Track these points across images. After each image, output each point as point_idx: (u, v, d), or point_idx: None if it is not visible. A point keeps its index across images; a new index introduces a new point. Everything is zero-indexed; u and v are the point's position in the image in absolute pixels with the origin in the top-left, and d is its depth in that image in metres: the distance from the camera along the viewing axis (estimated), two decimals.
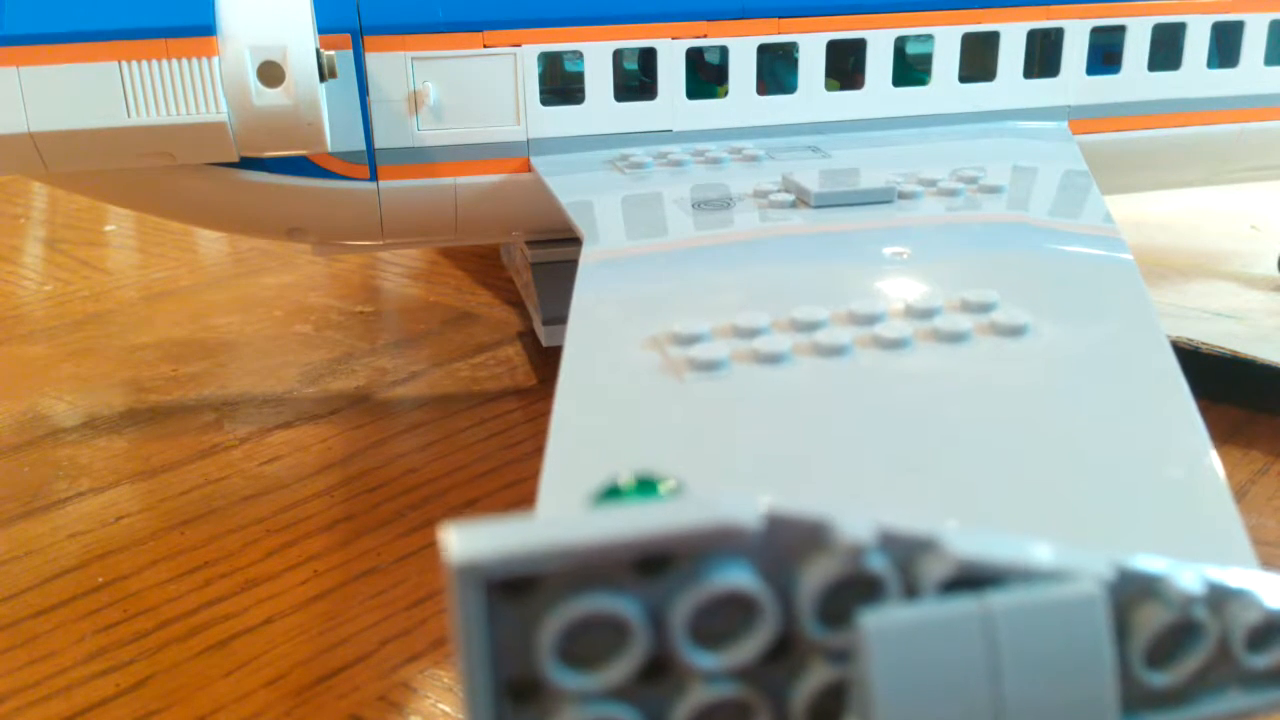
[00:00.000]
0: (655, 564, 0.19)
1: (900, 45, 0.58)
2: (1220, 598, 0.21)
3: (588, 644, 0.19)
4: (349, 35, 0.52)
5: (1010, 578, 0.20)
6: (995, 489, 0.27)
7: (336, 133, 0.52)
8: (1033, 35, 0.59)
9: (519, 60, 0.54)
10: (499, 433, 0.58)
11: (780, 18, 0.56)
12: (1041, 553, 0.20)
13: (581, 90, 0.55)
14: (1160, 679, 0.21)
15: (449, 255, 0.87)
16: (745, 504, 0.19)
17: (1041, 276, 0.40)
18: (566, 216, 0.47)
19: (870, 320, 0.33)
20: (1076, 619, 0.19)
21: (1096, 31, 0.60)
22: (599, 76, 0.55)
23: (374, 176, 0.54)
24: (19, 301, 0.80)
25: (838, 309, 0.34)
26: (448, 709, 0.38)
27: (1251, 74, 0.63)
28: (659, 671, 0.19)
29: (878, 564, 0.19)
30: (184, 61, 0.46)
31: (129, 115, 0.46)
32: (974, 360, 0.32)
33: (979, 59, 0.60)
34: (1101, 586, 0.20)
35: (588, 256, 0.41)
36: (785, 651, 0.20)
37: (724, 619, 0.19)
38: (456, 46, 0.53)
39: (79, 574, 0.46)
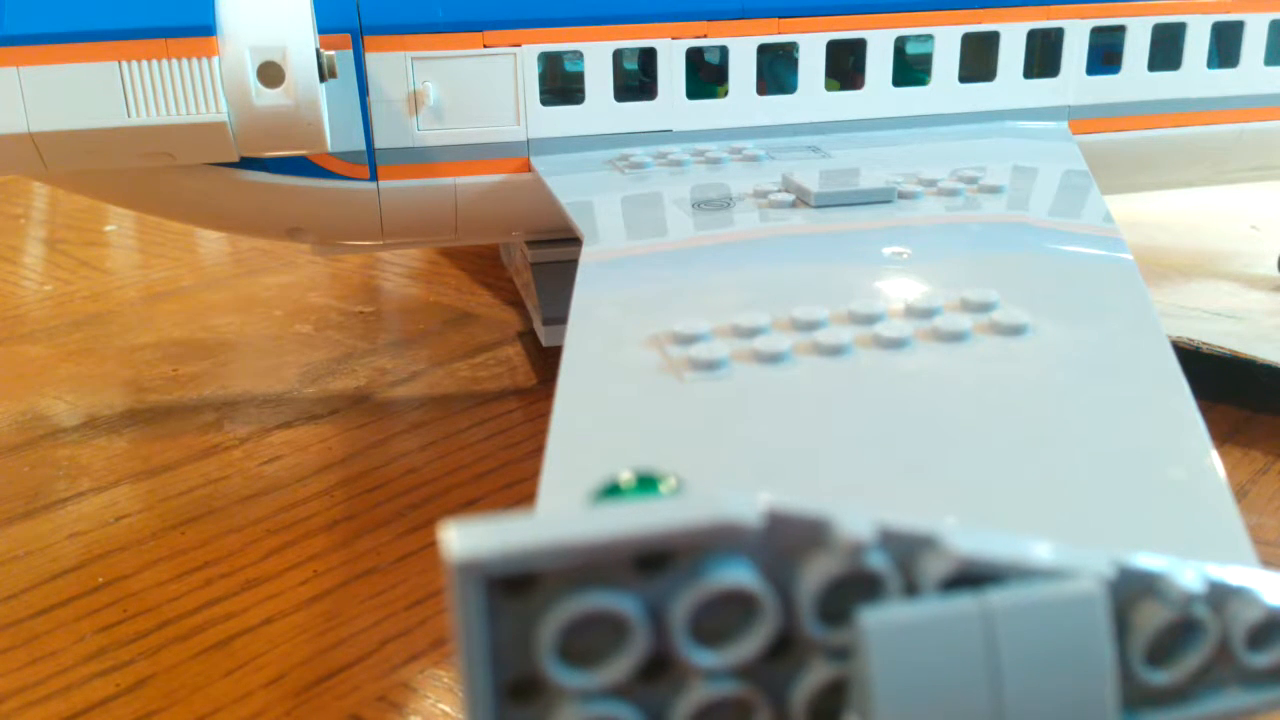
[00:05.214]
0: (655, 562, 0.19)
1: (900, 45, 0.58)
2: (1221, 596, 0.21)
3: (588, 642, 0.19)
4: (349, 35, 0.52)
5: (1010, 576, 0.20)
6: (995, 488, 0.27)
7: (336, 133, 0.52)
8: (1033, 35, 0.59)
9: (519, 60, 0.54)
10: (499, 433, 0.58)
11: (780, 18, 0.56)
12: (1041, 551, 0.20)
13: (581, 90, 0.55)
14: (1160, 677, 0.21)
15: (449, 255, 0.87)
16: (745, 502, 0.19)
17: (1041, 276, 0.40)
18: (566, 216, 0.47)
19: (870, 320, 0.33)
20: (1076, 617, 0.19)
21: (1096, 31, 0.60)
22: (599, 76, 0.55)
23: (374, 176, 0.54)
24: (19, 301, 0.80)
25: (838, 309, 0.34)
26: (448, 709, 0.38)
27: (1251, 74, 0.63)
28: (659, 669, 0.19)
29: (877, 562, 0.19)
30: (184, 61, 0.46)
31: (129, 115, 0.46)
32: (974, 360, 0.32)
33: (979, 59, 0.60)
34: (1102, 585, 0.20)
35: (588, 256, 0.41)
36: (785, 649, 0.20)
37: (724, 617, 0.19)
38: (456, 46, 0.53)
39: (79, 574, 0.46)
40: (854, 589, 0.19)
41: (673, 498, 0.19)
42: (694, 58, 0.57)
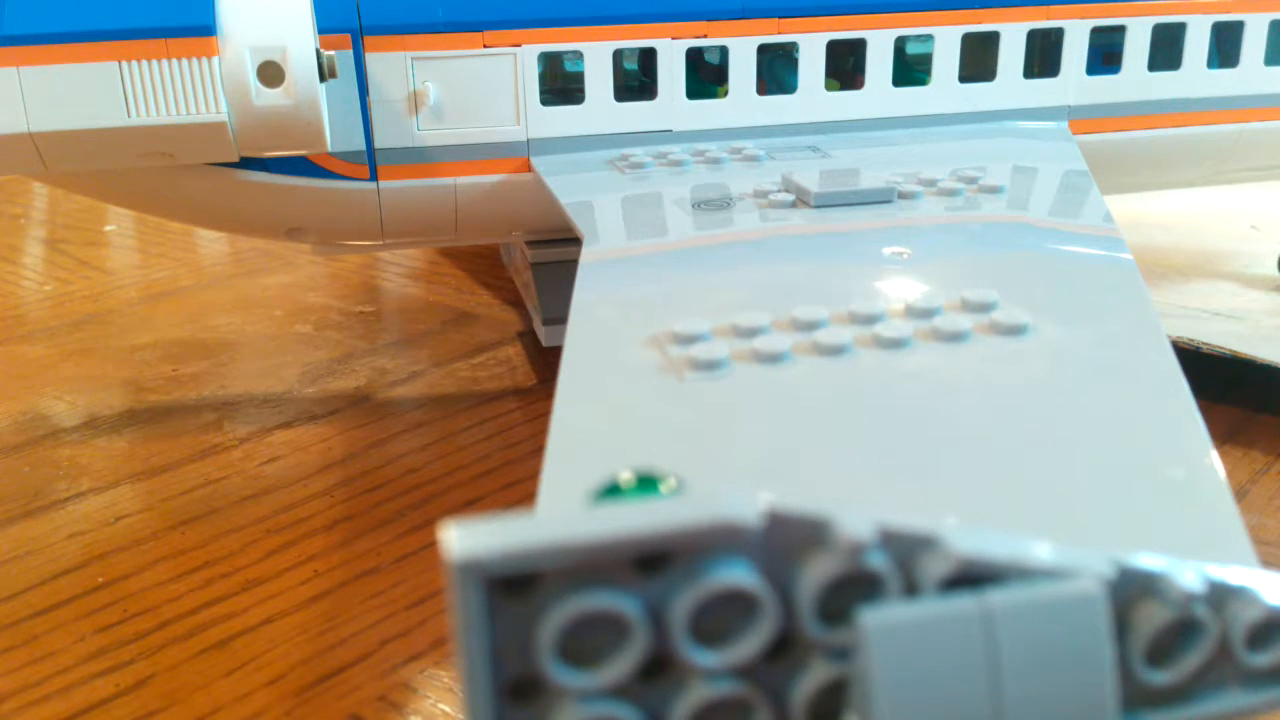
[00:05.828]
0: (655, 562, 0.19)
1: (900, 45, 0.58)
2: (1221, 596, 0.21)
3: (588, 642, 0.19)
4: (349, 35, 0.52)
5: (1010, 576, 0.20)
6: (995, 488, 0.27)
7: (336, 133, 0.52)
8: (1033, 35, 0.59)
9: (519, 60, 0.54)
10: (499, 433, 0.58)
11: (780, 18, 0.56)
12: (1041, 551, 0.20)
13: (581, 90, 0.55)
14: (1160, 677, 0.21)
15: (449, 255, 0.87)
16: (745, 502, 0.19)
17: (1041, 276, 0.40)
18: (566, 216, 0.47)
19: (870, 320, 0.33)
20: (1076, 617, 0.19)
21: (1096, 31, 0.60)
22: (599, 76, 0.55)
23: (374, 176, 0.54)
24: (19, 301, 0.80)
25: (838, 309, 0.34)
26: (448, 709, 0.38)
27: (1251, 74, 0.63)
28: (659, 669, 0.19)
29: (878, 562, 0.19)
30: (184, 61, 0.46)
31: (129, 115, 0.46)
32: (974, 360, 0.32)
33: (979, 59, 0.60)
34: (1102, 585, 0.20)
35: (588, 256, 0.41)
36: (785, 649, 0.20)
37: (724, 617, 0.19)
38: (456, 46, 0.53)
39: (79, 574, 0.46)
40: (854, 589, 0.19)
41: (673, 498, 0.19)
42: (694, 58, 0.57)
